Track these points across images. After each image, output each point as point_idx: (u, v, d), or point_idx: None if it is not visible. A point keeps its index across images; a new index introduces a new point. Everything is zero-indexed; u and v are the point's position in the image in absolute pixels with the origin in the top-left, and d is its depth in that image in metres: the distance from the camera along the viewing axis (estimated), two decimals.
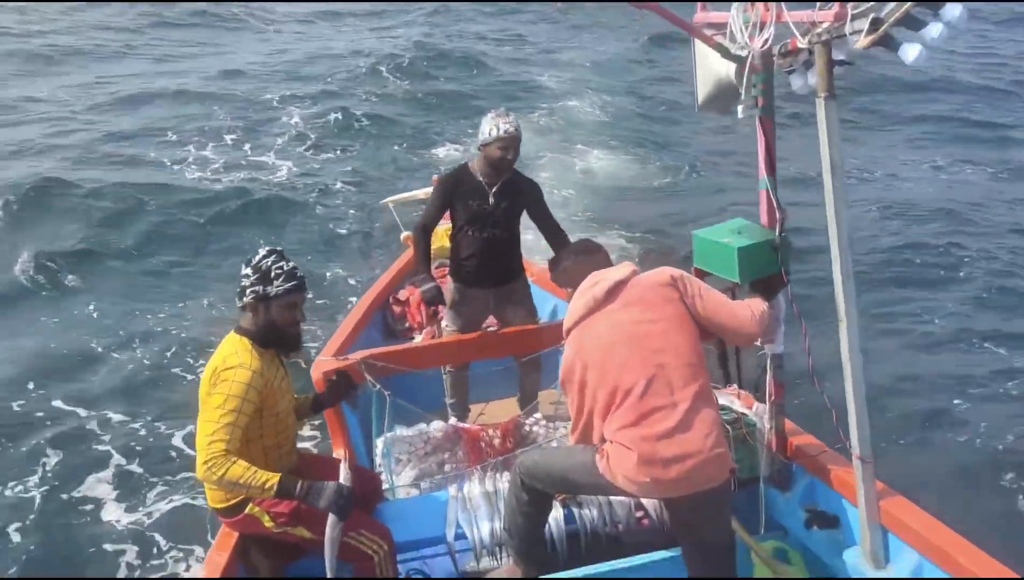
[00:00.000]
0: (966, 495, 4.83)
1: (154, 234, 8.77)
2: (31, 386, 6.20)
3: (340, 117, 12.83)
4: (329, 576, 3.00)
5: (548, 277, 3.57)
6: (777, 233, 2.95)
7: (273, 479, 2.88)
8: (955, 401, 5.86)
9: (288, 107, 13.42)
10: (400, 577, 3.29)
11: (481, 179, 4.45)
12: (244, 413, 2.91)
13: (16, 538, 4.83)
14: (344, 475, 3.06)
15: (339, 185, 10.45)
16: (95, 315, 7.30)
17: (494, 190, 4.44)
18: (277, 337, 3.10)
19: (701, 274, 3.10)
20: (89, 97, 13.52)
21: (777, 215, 2.97)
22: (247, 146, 11.72)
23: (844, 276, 2.62)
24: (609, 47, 18.56)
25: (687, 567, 2.96)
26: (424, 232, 4.58)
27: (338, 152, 11.82)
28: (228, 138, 11.94)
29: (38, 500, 5.11)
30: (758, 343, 3.15)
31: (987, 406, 5.79)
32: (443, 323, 5.04)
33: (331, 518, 2.95)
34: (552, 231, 4.59)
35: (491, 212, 4.47)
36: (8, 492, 5.16)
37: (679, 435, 2.68)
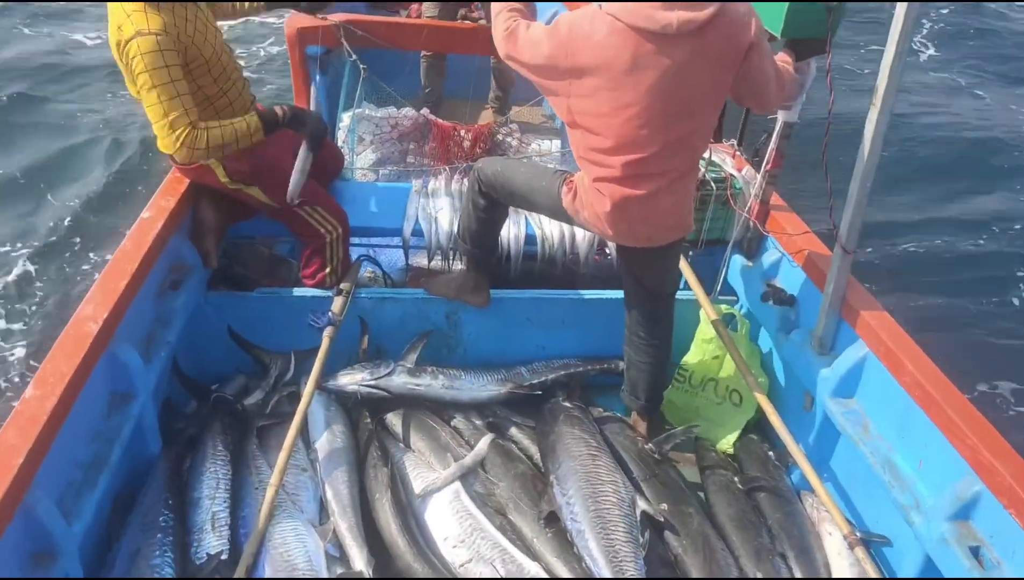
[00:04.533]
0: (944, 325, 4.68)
1: None
2: None
3: None
4: (291, 198, 2.91)
5: None
6: None
7: (252, 119, 2.69)
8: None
9: None
10: (353, 259, 3.19)
11: None
12: (176, 78, 2.56)
13: None
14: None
15: None
16: None
17: None
18: None
19: None
20: None
21: None
22: None
23: (896, 56, 2.33)
24: None
25: (625, 307, 2.94)
26: None
27: None
28: None
29: None
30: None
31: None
32: (423, 8, 4.80)
33: (303, 150, 2.86)
34: None
35: None
36: None
37: (657, 201, 2.52)
